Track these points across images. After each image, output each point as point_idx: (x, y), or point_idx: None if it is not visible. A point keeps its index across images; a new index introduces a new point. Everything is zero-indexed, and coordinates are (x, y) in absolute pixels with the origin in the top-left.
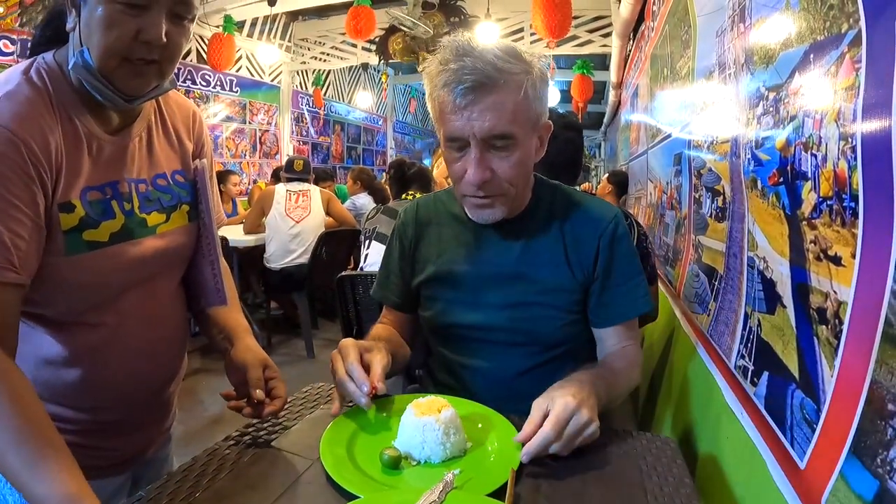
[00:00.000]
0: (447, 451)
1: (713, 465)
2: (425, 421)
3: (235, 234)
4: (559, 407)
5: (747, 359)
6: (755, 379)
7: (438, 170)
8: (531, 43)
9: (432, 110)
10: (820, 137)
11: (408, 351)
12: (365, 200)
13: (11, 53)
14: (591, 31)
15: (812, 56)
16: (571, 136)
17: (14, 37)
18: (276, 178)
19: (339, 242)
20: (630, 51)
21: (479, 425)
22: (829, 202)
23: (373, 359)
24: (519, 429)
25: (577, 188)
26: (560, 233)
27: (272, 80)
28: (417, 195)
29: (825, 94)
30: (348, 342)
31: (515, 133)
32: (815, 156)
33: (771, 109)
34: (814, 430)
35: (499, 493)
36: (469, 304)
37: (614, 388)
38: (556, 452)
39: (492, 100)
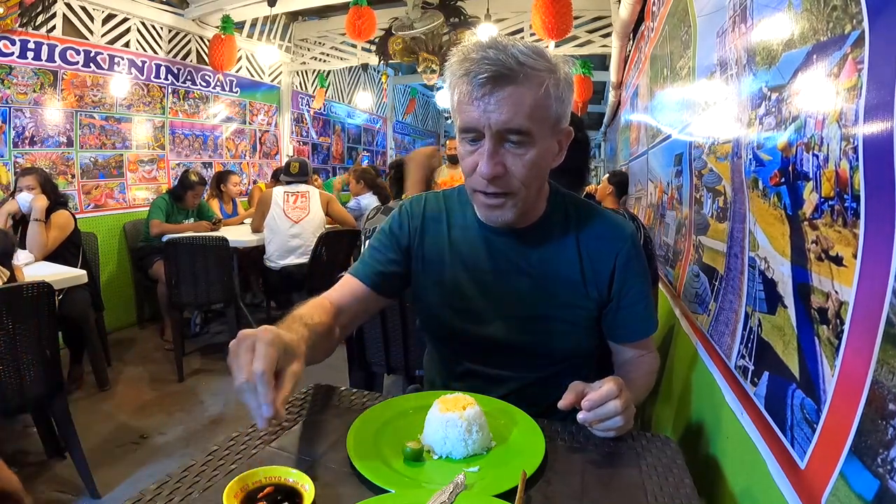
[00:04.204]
0: (468, 448)
1: (713, 464)
2: (448, 417)
3: (235, 235)
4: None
5: (747, 359)
6: (755, 379)
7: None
8: (532, 43)
9: (450, 102)
10: (822, 138)
11: (335, 344)
12: (369, 200)
13: (11, 54)
14: (590, 32)
15: (815, 57)
16: (582, 140)
17: (14, 38)
18: (276, 178)
19: (339, 243)
20: (630, 51)
21: (506, 424)
22: (830, 202)
23: (287, 370)
24: (546, 431)
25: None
26: (577, 248)
27: (272, 81)
28: None
29: (827, 95)
30: (268, 334)
31: (532, 130)
32: (817, 156)
33: (773, 110)
34: (814, 430)
35: (513, 494)
36: (480, 315)
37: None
38: (585, 419)
39: (510, 91)
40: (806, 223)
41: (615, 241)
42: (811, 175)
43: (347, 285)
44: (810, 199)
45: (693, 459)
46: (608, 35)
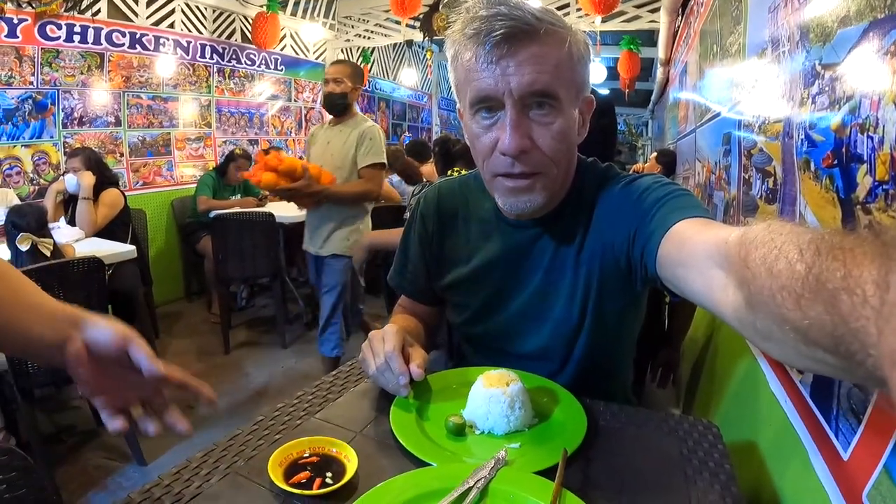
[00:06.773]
0: (510, 424)
1: (754, 451)
2: (492, 392)
3: (282, 210)
4: None
5: None
6: None
7: None
8: (578, 18)
9: (456, 74)
10: (877, 119)
11: (427, 344)
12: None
13: (58, 38)
14: (638, 7)
15: (871, 34)
16: (604, 124)
17: (60, 22)
18: None
19: (384, 217)
20: (679, 27)
21: (549, 402)
22: (884, 186)
23: (412, 349)
24: (588, 410)
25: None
26: (584, 234)
27: (316, 58)
28: (462, 172)
29: (884, 75)
30: (393, 327)
31: (559, 93)
32: (872, 138)
33: (826, 89)
34: (860, 421)
35: (553, 471)
36: (499, 314)
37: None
38: None
39: (532, 51)
40: (859, 207)
41: (626, 201)
42: (865, 157)
43: (408, 305)
44: (864, 182)
45: (734, 445)
46: (656, 10)
